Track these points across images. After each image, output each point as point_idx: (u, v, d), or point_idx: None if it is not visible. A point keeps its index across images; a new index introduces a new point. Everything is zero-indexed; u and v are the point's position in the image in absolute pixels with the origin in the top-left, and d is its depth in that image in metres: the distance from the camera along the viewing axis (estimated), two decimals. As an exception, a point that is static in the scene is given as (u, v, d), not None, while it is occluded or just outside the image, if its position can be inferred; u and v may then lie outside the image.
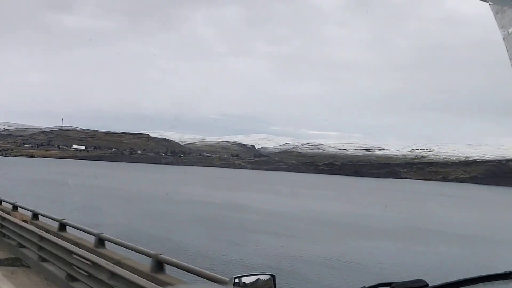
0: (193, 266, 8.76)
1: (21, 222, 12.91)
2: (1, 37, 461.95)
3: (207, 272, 7.25)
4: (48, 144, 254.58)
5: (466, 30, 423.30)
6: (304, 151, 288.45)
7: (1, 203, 17.70)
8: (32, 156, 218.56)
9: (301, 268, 23.92)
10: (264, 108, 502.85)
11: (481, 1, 1.63)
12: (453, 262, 27.38)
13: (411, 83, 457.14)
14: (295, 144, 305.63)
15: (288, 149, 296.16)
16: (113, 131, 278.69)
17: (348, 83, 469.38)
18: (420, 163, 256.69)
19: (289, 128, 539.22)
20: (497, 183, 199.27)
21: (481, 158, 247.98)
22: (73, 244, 9.94)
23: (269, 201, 61.54)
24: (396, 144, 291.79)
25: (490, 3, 1.63)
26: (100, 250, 9.90)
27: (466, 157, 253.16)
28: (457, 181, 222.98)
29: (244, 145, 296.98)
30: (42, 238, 10.88)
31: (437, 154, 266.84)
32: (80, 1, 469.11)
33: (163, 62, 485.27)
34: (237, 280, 2.51)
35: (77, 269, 9.13)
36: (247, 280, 2.54)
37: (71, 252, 9.35)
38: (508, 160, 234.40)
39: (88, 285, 8.63)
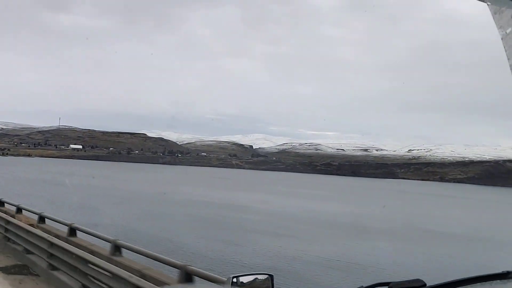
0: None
1: (27, 226, 12.21)
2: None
3: (203, 272, 7.19)
4: (45, 144, 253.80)
5: (463, 30, 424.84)
6: (302, 151, 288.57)
7: (4, 205, 17.14)
8: (29, 155, 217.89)
9: (300, 268, 23.91)
10: (261, 108, 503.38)
11: (478, 1, 1.64)
12: (450, 262, 27.44)
13: (408, 83, 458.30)
14: (293, 144, 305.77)
15: (285, 149, 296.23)
16: (110, 130, 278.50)
17: (346, 83, 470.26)
18: (418, 164, 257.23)
19: (286, 128, 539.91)
20: (494, 184, 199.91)
21: (478, 159, 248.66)
22: (86, 251, 9.28)
23: (267, 201, 61.50)
24: (393, 145, 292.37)
25: (488, 3, 1.64)
26: (117, 258, 9.19)
27: (463, 158, 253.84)
28: (454, 182, 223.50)
29: (242, 145, 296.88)
30: (52, 244, 10.00)
31: (435, 154, 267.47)
32: (77, 1, 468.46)
33: (161, 62, 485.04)
34: (234, 280, 2.51)
35: (94, 280, 8.25)
36: (244, 279, 2.54)
37: (86, 261, 8.48)
38: (505, 161, 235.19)
39: None
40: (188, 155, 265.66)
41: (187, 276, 7.38)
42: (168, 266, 8.08)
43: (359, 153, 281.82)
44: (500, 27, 1.58)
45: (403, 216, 55.41)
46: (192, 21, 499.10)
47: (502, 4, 1.61)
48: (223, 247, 27.48)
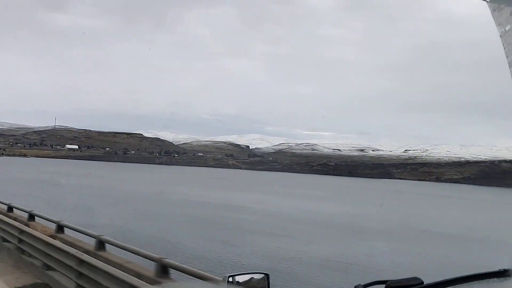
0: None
1: (46, 236, 10.66)
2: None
3: (200, 271, 7.19)
4: (41, 144, 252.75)
5: (461, 30, 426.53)
6: (298, 151, 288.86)
7: (12, 210, 15.74)
8: (25, 155, 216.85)
9: (297, 268, 23.93)
10: (258, 108, 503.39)
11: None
12: (447, 261, 27.52)
13: (406, 83, 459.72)
14: (289, 144, 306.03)
15: (282, 149, 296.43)
16: (106, 130, 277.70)
17: (343, 83, 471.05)
18: (414, 164, 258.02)
19: (283, 128, 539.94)
20: (490, 184, 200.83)
21: (474, 159, 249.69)
22: (127, 272, 7.70)
23: (264, 202, 61.50)
24: (389, 145, 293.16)
25: (488, 0, 1.63)
26: (162, 280, 7.74)
27: (459, 158, 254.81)
28: (450, 182, 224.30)
29: (238, 145, 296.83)
30: (81, 261, 8.43)
31: (431, 154, 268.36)
32: (74, 0, 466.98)
33: (159, 61, 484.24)
34: (230, 279, 2.52)
35: None
36: (240, 279, 2.55)
37: (130, 285, 7.07)
38: (501, 161, 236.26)
39: None
40: (184, 155, 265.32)
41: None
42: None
43: (356, 153, 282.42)
44: (499, 24, 1.58)
45: (399, 216, 55.56)
46: (190, 21, 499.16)
47: (501, 2, 1.60)
48: (220, 248, 27.46)
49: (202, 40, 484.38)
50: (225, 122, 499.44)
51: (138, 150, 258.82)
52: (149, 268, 8.37)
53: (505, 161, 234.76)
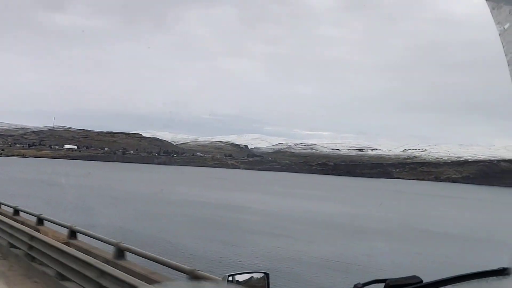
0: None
1: (59, 243, 9.86)
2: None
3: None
4: (40, 144, 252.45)
5: (459, 30, 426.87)
6: (297, 151, 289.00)
7: (19, 214, 15.02)
8: (23, 156, 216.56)
9: (297, 268, 23.91)
10: (257, 108, 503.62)
11: None
12: (447, 261, 27.51)
13: (403, 83, 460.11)
14: (288, 144, 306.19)
15: (281, 149, 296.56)
16: (105, 130, 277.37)
17: (342, 83, 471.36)
18: (413, 163, 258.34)
19: (282, 128, 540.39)
20: (489, 183, 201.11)
21: (473, 158, 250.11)
22: (152, 284, 7.07)
23: (264, 202, 61.48)
24: (388, 144, 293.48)
25: None
26: None
27: (458, 157, 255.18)
28: (449, 181, 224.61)
29: (237, 145, 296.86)
30: (103, 272, 7.59)
31: (429, 154, 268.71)
32: (72, 1, 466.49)
33: (157, 61, 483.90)
34: (230, 278, 2.53)
35: None
36: (240, 278, 2.56)
37: None
38: (499, 160, 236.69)
39: None
40: (183, 155, 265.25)
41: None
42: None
43: (354, 153, 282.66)
44: (498, 22, 1.58)
45: (399, 216, 55.58)
46: (190, 21, 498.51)
47: (500, 0, 1.60)
48: (220, 248, 27.41)
49: (201, 40, 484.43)
50: (224, 122, 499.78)
51: (137, 150, 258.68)
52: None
53: (504, 160, 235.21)
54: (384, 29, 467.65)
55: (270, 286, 2.62)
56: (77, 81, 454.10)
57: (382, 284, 1.64)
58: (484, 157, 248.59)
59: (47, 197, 45.67)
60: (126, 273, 7.37)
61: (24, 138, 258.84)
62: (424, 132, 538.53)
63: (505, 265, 1.57)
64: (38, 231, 11.74)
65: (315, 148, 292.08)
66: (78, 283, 8.34)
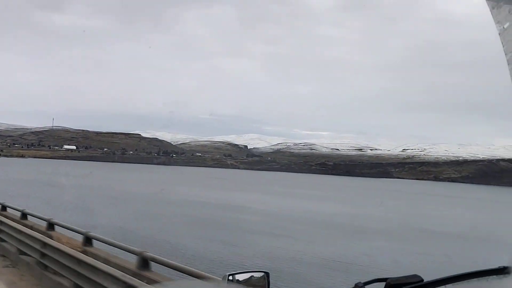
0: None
1: (75, 251, 8.94)
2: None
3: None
4: (39, 145, 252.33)
5: (459, 30, 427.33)
6: (297, 151, 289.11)
7: (27, 218, 14.25)
8: (22, 156, 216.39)
9: (297, 268, 23.91)
10: (256, 108, 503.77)
11: None
12: (447, 260, 27.50)
13: (403, 83, 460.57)
14: (288, 144, 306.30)
15: (280, 149, 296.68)
16: (104, 131, 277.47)
17: (341, 83, 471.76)
18: (412, 163, 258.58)
19: (281, 128, 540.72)
20: (488, 183, 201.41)
21: (472, 158, 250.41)
22: None
23: (264, 202, 61.49)
24: (387, 144, 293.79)
25: None
26: None
27: (457, 157, 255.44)
28: (448, 181, 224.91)
29: (237, 145, 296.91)
30: (128, 285, 6.85)
31: (429, 153, 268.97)
32: (71, 1, 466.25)
33: (156, 61, 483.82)
34: (230, 278, 2.53)
35: None
36: (240, 277, 2.56)
37: None
38: (498, 160, 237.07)
39: None
40: (183, 155, 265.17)
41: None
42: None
43: (354, 152, 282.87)
44: (497, 22, 1.57)
45: (399, 215, 55.61)
46: (189, 21, 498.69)
47: None
48: (220, 248, 27.37)
49: (201, 40, 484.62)
50: (223, 122, 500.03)
51: (136, 150, 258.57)
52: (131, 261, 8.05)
53: (503, 160, 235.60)
54: (383, 29, 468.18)
55: (270, 285, 2.62)
56: (76, 81, 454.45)
57: (383, 283, 1.64)
58: (483, 156, 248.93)
59: (48, 198, 45.65)
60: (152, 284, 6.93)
61: (23, 138, 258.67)
62: (423, 132, 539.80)
63: (505, 264, 1.58)
64: (49, 237, 10.91)
65: (314, 148, 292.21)
66: None
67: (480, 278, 1.59)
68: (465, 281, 1.59)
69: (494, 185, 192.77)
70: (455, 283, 1.59)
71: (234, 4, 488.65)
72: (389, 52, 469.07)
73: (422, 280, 1.62)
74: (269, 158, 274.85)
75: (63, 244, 9.71)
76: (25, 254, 11.06)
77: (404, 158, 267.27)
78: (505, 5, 1.56)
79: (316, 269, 24.51)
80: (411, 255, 30.19)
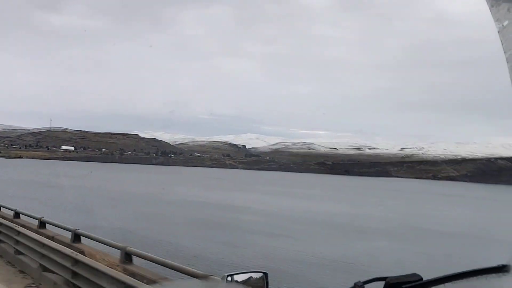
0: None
1: (121, 274, 7.61)
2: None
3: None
4: (37, 145, 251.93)
5: (457, 28, 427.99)
6: (295, 150, 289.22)
7: (45, 226, 12.92)
8: (20, 157, 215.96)
9: (296, 268, 23.85)
10: (254, 108, 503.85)
11: None
12: (447, 258, 27.51)
13: (401, 82, 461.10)
14: (286, 143, 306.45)
15: (279, 148, 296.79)
16: (102, 131, 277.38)
17: (339, 82, 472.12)
18: (411, 162, 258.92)
19: (279, 128, 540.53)
20: (486, 181, 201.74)
21: (471, 156, 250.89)
22: None
23: (263, 201, 61.44)
24: (386, 143, 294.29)
25: None
26: None
27: (456, 156, 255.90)
28: (447, 179, 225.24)
29: (235, 145, 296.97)
30: None
31: (427, 152, 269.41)
32: (68, 1, 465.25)
33: (154, 62, 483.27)
34: (229, 278, 2.53)
35: None
36: (239, 278, 2.56)
37: None
38: (497, 158, 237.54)
39: None
40: (181, 155, 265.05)
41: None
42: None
43: (352, 152, 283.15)
44: (497, 20, 1.57)
45: (398, 214, 55.59)
46: (187, 21, 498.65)
47: None
48: (220, 248, 27.33)
49: (199, 40, 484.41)
50: (222, 122, 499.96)
51: (134, 150, 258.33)
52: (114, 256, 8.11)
53: (501, 158, 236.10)
54: (381, 29, 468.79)
55: (269, 285, 2.62)
56: (74, 81, 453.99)
57: (383, 282, 1.65)
58: (481, 155, 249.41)
59: (47, 198, 45.48)
60: None
61: (21, 139, 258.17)
62: (421, 131, 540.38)
63: (504, 262, 1.59)
64: (77, 250, 9.70)
65: (313, 148, 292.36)
66: None
67: (479, 276, 1.60)
68: (464, 279, 1.61)
69: (492, 183, 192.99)
70: (454, 281, 1.60)
71: (233, 4, 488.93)
72: (387, 51, 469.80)
73: (422, 278, 1.64)
74: (268, 157, 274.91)
75: (98, 261, 8.58)
76: (49, 271, 9.67)
77: (402, 157, 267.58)
78: (504, 3, 1.56)
79: (315, 269, 24.47)
80: (411, 254, 30.16)
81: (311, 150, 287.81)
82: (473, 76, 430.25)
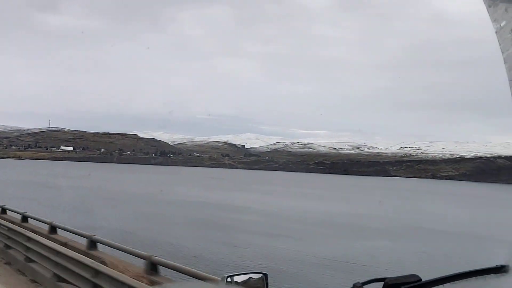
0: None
1: (139, 283, 7.13)
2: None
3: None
4: (36, 146, 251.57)
5: (455, 28, 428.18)
6: (294, 150, 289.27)
7: (56, 231, 12.26)
8: (19, 158, 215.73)
9: (296, 268, 23.88)
10: (253, 107, 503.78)
11: None
12: (446, 258, 27.56)
13: (399, 82, 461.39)
14: (285, 143, 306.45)
15: (278, 148, 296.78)
16: (101, 131, 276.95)
17: (337, 82, 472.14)
18: (409, 161, 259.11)
19: (278, 128, 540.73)
20: (485, 180, 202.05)
21: (469, 156, 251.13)
22: None
23: (263, 201, 61.45)
24: (385, 142, 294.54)
25: None
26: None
27: (454, 155, 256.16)
28: (446, 178, 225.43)
29: (234, 144, 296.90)
30: None
31: (426, 151, 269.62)
32: (67, 1, 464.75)
33: (153, 62, 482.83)
34: (229, 279, 2.52)
35: None
36: (239, 279, 2.55)
37: None
38: (496, 157, 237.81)
39: None
40: (180, 155, 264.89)
41: (152, 265, 7.50)
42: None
43: (351, 151, 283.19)
44: (494, 20, 1.57)
45: (397, 214, 55.64)
46: (185, 21, 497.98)
47: None
48: (220, 248, 27.34)
49: (198, 40, 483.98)
50: (220, 121, 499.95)
51: (133, 151, 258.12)
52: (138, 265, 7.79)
53: (500, 157, 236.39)
54: (381, 29, 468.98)
55: (269, 286, 2.62)
56: (72, 82, 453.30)
57: (382, 283, 1.64)
58: (480, 154, 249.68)
59: (46, 199, 45.43)
60: None
61: (19, 140, 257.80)
62: (420, 130, 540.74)
63: (503, 263, 1.58)
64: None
65: (312, 147, 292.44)
66: None
67: (478, 277, 1.59)
68: (463, 280, 1.59)
69: (491, 182, 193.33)
70: (453, 282, 1.59)
71: (233, 4, 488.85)
72: (386, 51, 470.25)
73: (420, 279, 1.63)
74: (267, 157, 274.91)
75: (122, 273, 7.74)
76: (65, 281, 8.90)
77: (401, 156, 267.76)
78: (501, 3, 1.56)
79: (315, 269, 24.48)
80: (410, 254, 30.20)
81: (310, 149, 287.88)
82: (472, 75, 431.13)
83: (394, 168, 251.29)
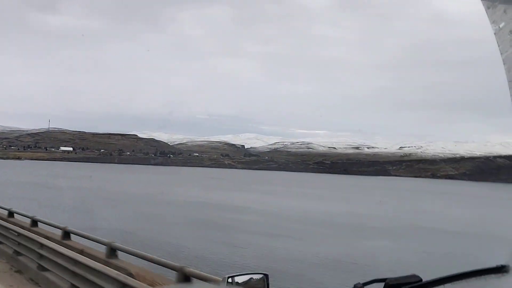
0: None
1: None
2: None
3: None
4: (35, 146, 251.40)
5: (454, 29, 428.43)
6: (294, 150, 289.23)
7: (69, 237, 11.47)
8: (19, 158, 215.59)
9: (296, 268, 23.86)
10: (253, 107, 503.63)
11: None
12: (446, 258, 27.52)
13: (399, 82, 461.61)
14: (285, 143, 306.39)
15: (277, 148, 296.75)
16: (101, 132, 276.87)
17: (337, 82, 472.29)
18: (409, 161, 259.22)
19: (278, 128, 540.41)
20: (485, 179, 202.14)
21: (469, 155, 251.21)
22: None
23: (263, 201, 61.44)
24: (384, 142, 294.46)
25: None
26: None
27: (454, 154, 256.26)
28: (446, 178, 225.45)
29: (234, 144, 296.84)
30: None
31: (426, 151, 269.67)
32: (66, 2, 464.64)
33: (152, 62, 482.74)
34: (230, 280, 2.52)
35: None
36: (240, 279, 2.54)
37: None
38: (495, 157, 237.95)
39: None
40: (180, 155, 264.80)
41: (185, 277, 6.92)
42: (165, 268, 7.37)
43: (351, 151, 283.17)
44: (493, 21, 1.58)
45: (397, 213, 55.62)
46: (185, 21, 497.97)
47: None
48: (220, 248, 27.31)
49: (197, 40, 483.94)
50: (220, 121, 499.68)
51: (133, 151, 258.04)
52: (168, 277, 7.50)
53: (500, 156, 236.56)
54: (380, 29, 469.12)
55: (270, 287, 2.61)
56: (72, 82, 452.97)
57: (382, 284, 1.64)
58: (480, 153, 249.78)
59: (46, 200, 45.37)
60: None
61: (19, 140, 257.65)
62: (420, 130, 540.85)
63: (503, 263, 1.58)
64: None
65: (311, 147, 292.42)
66: None
67: (479, 277, 1.59)
68: (464, 280, 1.60)
69: (491, 181, 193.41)
70: (454, 282, 1.59)
71: (232, 4, 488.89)
72: (386, 51, 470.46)
73: (421, 280, 1.63)
74: (267, 157, 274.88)
75: (146, 283, 7.09)
76: None
77: (401, 156, 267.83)
78: (500, 4, 1.56)
79: (315, 269, 24.47)
80: (410, 253, 30.18)
81: (310, 149, 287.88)
82: (472, 75, 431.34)
83: (394, 167, 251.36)
